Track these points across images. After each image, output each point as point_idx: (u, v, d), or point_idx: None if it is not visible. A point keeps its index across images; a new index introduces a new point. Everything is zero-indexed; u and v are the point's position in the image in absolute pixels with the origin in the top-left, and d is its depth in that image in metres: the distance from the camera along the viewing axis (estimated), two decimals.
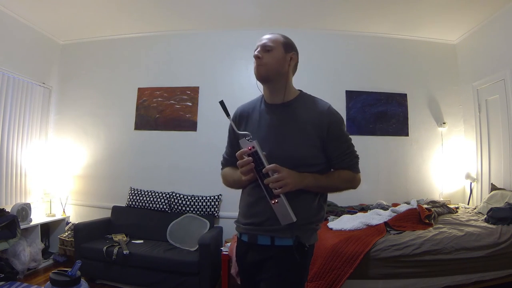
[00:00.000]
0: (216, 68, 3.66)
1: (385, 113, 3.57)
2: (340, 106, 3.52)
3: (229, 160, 1.33)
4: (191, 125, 3.61)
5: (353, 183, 1.21)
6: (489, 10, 3.06)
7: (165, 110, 3.67)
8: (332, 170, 1.21)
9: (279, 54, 1.17)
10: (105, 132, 3.76)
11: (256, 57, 1.16)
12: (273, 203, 1.06)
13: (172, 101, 3.66)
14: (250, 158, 1.07)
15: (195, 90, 3.65)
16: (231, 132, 1.30)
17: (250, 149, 1.06)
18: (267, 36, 1.19)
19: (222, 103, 1.14)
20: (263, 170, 1.06)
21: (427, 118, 3.61)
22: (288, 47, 1.20)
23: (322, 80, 3.56)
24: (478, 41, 3.40)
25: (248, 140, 1.08)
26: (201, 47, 3.71)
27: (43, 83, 3.71)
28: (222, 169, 1.37)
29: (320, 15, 3.37)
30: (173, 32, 3.75)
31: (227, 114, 1.15)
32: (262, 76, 1.17)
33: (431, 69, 3.68)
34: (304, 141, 1.13)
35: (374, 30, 3.60)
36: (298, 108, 1.18)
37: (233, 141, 1.29)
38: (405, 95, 3.61)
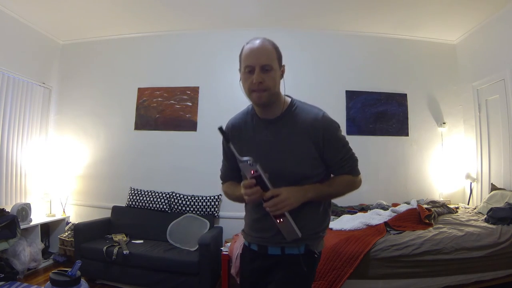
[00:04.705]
0: (216, 68, 3.65)
1: (385, 113, 3.57)
2: (340, 106, 3.52)
3: (227, 174, 1.30)
4: (191, 125, 3.61)
5: (355, 186, 1.18)
6: (489, 10, 3.06)
7: (165, 110, 3.66)
8: (332, 176, 1.19)
9: (277, 72, 1.08)
10: (105, 132, 3.76)
11: (259, 83, 1.04)
12: (278, 222, 1.05)
13: (172, 101, 3.66)
14: (258, 188, 1.02)
15: (195, 90, 3.65)
16: (225, 145, 1.23)
17: (253, 173, 1.01)
18: (260, 50, 1.06)
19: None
20: (265, 195, 1.03)
21: (427, 118, 3.60)
22: (280, 59, 1.11)
23: (322, 80, 3.56)
24: (478, 41, 3.39)
25: (249, 164, 1.01)
26: (201, 47, 3.70)
27: (43, 83, 3.71)
28: (222, 183, 1.34)
29: (320, 15, 3.36)
30: (173, 32, 3.75)
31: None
32: (264, 103, 1.09)
33: (431, 69, 3.68)
34: (303, 154, 1.09)
35: (374, 30, 3.60)
36: (291, 120, 1.11)
37: (228, 154, 1.23)
38: (405, 95, 3.61)
